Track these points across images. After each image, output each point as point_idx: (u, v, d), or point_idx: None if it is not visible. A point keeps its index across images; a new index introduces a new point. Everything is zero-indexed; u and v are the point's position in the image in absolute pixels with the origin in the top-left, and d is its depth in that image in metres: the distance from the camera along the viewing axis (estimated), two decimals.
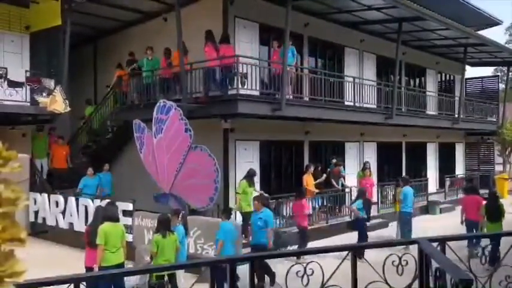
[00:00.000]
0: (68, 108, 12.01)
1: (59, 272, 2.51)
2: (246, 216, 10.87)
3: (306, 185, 13.13)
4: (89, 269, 7.36)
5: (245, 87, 11.64)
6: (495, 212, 10.47)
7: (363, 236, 10.97)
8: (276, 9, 12.80)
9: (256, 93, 12.25)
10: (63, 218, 11.79)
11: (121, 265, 7.22)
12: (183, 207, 9.33)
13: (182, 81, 11.84)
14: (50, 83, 12.15)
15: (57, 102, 11.66)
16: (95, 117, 15.83)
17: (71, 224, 11.57)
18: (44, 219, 12.28)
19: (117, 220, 7.56)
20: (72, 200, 11.66)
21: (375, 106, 16.15)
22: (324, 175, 14.37)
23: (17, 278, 1.04)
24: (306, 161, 15.05)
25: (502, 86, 29.47)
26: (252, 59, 12.20)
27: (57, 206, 11.99)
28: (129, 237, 9.38)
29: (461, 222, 11.33)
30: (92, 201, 11.14)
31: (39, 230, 12.08)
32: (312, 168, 13.62)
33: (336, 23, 15.89)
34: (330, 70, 15.63)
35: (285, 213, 12.62)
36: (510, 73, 23.91)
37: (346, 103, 15.09)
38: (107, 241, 7.11)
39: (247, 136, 13.40)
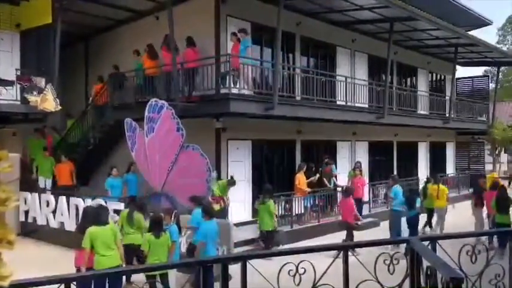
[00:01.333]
0: (59, 107, 11.93)
1: (50, 272, 2.50)
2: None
3: (298, 184, 13.16)
4: (78, 269, 7.28)
5: (237, 86, 11.64)
6: (504, 204, 10.92)
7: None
8: (268, 8, 12.81)
9: (249, 92, 12.25)
10: (54, 217, 11.72)
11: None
12: (175, 206, 9.31)
13: (174, 80, 11.82)
14: (41, 81, 12.06)
15: (47, 101, 11.58)
16: (74, 132, 15.64)
17: (62, 224, 11.50)
18: (34, 218, 12.20)
19: (104, 223, 7.14)
20: (62, 199, 11.58)
21: (366, 105, 16.22)
22: (317, 175, 14.41)
23: (2, 281, 1.03)
24: (298, 161, 15.08)
25: (492, 85, 29.67)
26: (244, 58, 12.18)
27: (47, 205, 11.91)
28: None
29: (487, 217, 12.02)
30: (120, 201, 10.58)
31: (30, 230, 12.00)
32: (304, 168, 13.66)
33: (328, 22, 15.93)
34: (322, 69, 15.65)
35: (276, 213, 12.63)
36: (500, 73, 24.12)
37: (338, 102, 15.14)
38: (96, 245, 6.83)
39: (239, 135, 13.40)
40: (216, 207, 11.07)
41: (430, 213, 13.43)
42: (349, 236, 11.41)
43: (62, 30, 12.30)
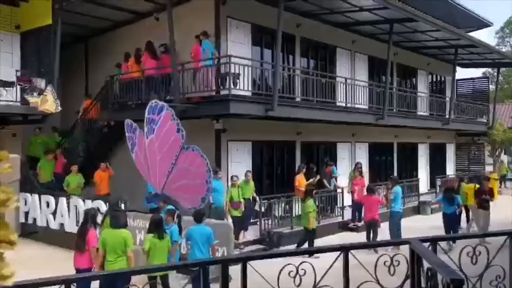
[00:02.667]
0: (59, 108, 11.93)
1: (50, 273, 2.49)
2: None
3: (298, 185, 13.15)
4: (77, 270, 7.25)
5: (237, 87, 11.65)
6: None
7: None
8: (268, 9, 12.81)
9: (248, 93, 12.26)
10: (54, 218, 11.72)
11: None
12: (174, 207, 9.30)
13: (174, 82, 11.83)
14: (41, 82, 12.06)
15: (48, 102, 11.57)
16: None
17: (62, 225, 11.49)
18: (34, 219, 12.19)
19: (119, 227, 7.06)
20: (63, 200, 11.58)
21: (366, 107, 16.22)
22: (318, 176, 14.41)
23: (4, 281, 1.03)
24: (298, 162, 15.08)
25: (492, 87, 29.70)
26: (244, 59, 12.20)
27: (48, 206, 11.91)
28: None
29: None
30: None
31: (30, 231, 11.99)
32: (304, 169, 13.66)
33: (328, 23, 15.93)
34: (322, 71, 15.67)
35: (276, 214, 12.64)
36: (500, 74, 24.13)
37: (338, 104, 15.14)
38: (106, 248, 6.80)
39: (239, 136, 13.40)
40: (236, 213, 11.17)
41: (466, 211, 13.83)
42: (376, 234, 11.75)
43: (62, 31, 12.30)
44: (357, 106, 15.54)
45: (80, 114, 15.78)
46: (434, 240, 3.38)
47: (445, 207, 12.13)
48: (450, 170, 24.18)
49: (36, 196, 12.22)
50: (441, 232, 12.02)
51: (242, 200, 11.43)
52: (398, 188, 12.26)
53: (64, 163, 14.15)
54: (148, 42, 13.31)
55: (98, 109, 15.36)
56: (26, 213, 12.35)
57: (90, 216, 7.46)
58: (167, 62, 12.54)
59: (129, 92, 13.47)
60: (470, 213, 13.65)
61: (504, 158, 29.78)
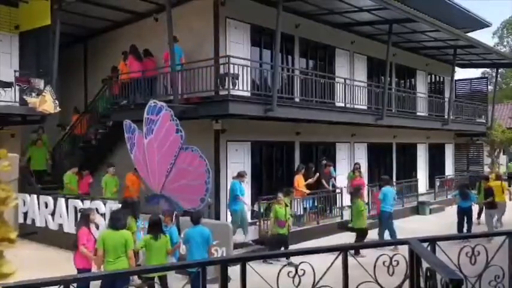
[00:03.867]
0: (58, 109, 11.93)
1: (49, 274, 2.49)
2: None
3: (297, 185, 13.15)
4: (78, 270, 7.27)
5: (236, 88, 11.65)
6: None
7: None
8: (267, 10, 12.82)
9: (248, 94, 12.26)
10: (53, 219, 11.70)
11: None
12: (174, 208, 9.30)
13: (173, 82, 11.83)
14: (40, 83, 12.05)
15: (46, 103, 11.56)
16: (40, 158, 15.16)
17: (61, 226, 11.48)
18: (33, 220, 12.17)
19: (119, 227, 7.07)
20: (61, 201, 11.57)
21: (365, 107, 16.23)
22: (317, 174, 14.40)
23: (5, 279, 1.03)
24: (297, 162, 15.08)
25: (490, 87, 29.74)
26: (243, 59, 12.21)
27: (46, 207, 11.89)
28: None
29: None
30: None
31: (29, 232, 11.97)
32: (303, 169, 13.66)
33: (327, 24, 15.94)
34: (321, 71, 15.67)
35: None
36: (499, 75, 24.15)
37: (337, 104, 15.13)
38: (106, 249, 6.79)
39: (239, 137, 13.39)
40: (283, 231, 10.65)
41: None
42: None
43: (61, 31, 12.30)
44: (356, 106, 15.55)
45: (68, 128, 15.87)
46: (433, 240, 3.38)
47: (461, 202, 12.93)
48: (449, 170, 24.20)
49: (34, 196, 12.21)
50: (439, 232, 12.03)
51: (289, 218, 10.92)
52: (386, 189, 12.38)
53: (90, 183, 13.60)
54: (133, 45, 13.68)
55: (85, 123, 15.57)
56: (25, 214, 12.33)
57: (82, 216, 7.52)
58: (150, 65, 13.22)
59: (122, 93, 13.80)
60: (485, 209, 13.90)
61: (503, 158, 29.85)
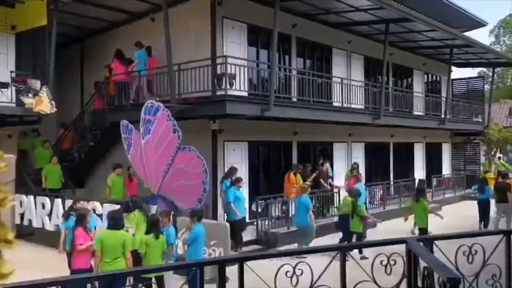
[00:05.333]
0: (54, 109, 11.89)
1: (46, 275, 2.48)
2: None
3: (293, 183, 13.17)
4: (72, 271, 7.25)
5: (233, 88, 11.64)
6: None
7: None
8: (264, 10, 12.81)
9: (245, 94, 12.26)
10: (50, 220, 11.67)
11: None
12: (171, 208, 9.29)
13: (170, 82, 11.82)
14: (36, 83, 12.01)
15: (43, 103, 11.53)
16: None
17: (57, 226, 11.44)
18: (30, 221, 12.14)
19: (119, 228, 7.09)
20: (58, 201, 11.54)
21: (362, 107, 16.26)
22: (314, 174, 14.42)
23: (4, 279, 1.02)
24: (295, 162, 15.08)
25: (487, 86, 29.83)
26: (241, 59, 12.21)
27: (43, 207, 11.86)
28: None
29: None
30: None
31: (25, 232, 11.94)
32: (296, 168, 13.71)
33: (323, 24, 15.95)
34: (318, 71, 15.68)
35: (273, 214, 12.64)
36: (495, 74, 24.21)
37: (334, 104, 15.15)
38: (104, 249, 6.76)
39: (236, 137, 13.39)
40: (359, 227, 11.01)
41: None
42: None
43: (57, 32, 12.28)
44: (353, 106, 15.57)
45: (55, 143, 15.78)
46: (430, 240, 3.39)
47: (479, 196, 14.36)
48: (446, 169, 24.25)
49: (31, 197, 12.18)
50: (436, 231, 12.07)
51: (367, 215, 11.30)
52: (360, 185, 12.79)
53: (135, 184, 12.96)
54: (118, 49, 14.16)
55: (71, 137, 15.59)
56: (22, 215, 12.29)
57: (78, 216, 7.52)
58: (118, 69, 13.52)
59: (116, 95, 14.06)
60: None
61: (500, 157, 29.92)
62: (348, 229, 11.14)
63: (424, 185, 13.04)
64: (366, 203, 12.87)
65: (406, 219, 11.64)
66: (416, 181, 19.57)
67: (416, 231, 11.32)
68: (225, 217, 11.59)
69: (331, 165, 15.82)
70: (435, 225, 13.43)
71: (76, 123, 16.15)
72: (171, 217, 8.27)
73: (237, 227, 10.74)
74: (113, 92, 14.23)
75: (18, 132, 14.36)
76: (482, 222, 14.01)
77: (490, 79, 27.12)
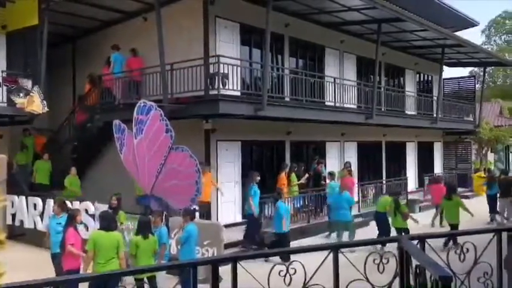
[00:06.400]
0: (46, 109, 11.81)
1: (37, 276, 2.47)
2: None
3: (282, 184, 13.21)
4: (66, 272, 7.21)
5: (226, 87, 11.63)
6: None
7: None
8: (257, 9, 12.81)
9: (238, 93, 12.25)
10: (42, 220, 11.59)
11: None
12: (164, 208, 9.26)
13: (163, 82, 11.79)
14: (28, 83, 11.93)
15: (34, 103, 11.45)
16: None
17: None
18: (21, 222, 12.05)
19: (113, 228, 7.10)
20: (50, 202, 11.45)
21: (355, 106, 16.30)
22: (307, 174, 14.46)
23: None
24: (288, 161, 15.10)
25: (478, 86, 30.01)
26: (233, 59, 12.20)
27: (35, 208, 11.78)
28: None
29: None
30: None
31: (17, 233, 11.85)
32: (287, 168, 13.73)
33: (316, 23, 15.98)
34: (311, 70, 15.70)
35: (266, 214, 12.64)
36: (486, 73, 24.37)
37: (327, 103, 15.19)
38: (97, 249, 6.74)
39: (229, 136, 13.38)
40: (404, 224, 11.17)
41: None
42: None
43: (49, 31, 12.19)
44: (345, 105, 15.61)
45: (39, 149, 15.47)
46: (422, 238, 3.41)
47: (488, 191, 15.51)
48: (438, 168, 24.39)
49: (23, 198, 12.09)
50: (429, 230, 12.17)
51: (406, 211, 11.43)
52: (332, 183, 13.29)
53: None
54: (89, 74, 15.01)
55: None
56: (13, 215, 12.20)
57: (69, 217, 7.48)
58: (135, 65, 13.62)
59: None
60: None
61: (491, 156, 30.15)
62: (385, 226, 11.38)
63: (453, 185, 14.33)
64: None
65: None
66: (410, 180, 19.68)
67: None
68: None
69: (325, 165, 15.84)
70: (428, 224, 13.50)
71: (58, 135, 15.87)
72: (164, 217, 8.24)
73: (283, 239, 10.59)
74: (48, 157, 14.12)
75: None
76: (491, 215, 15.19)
77: (481, 78, 27.26)
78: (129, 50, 13.79)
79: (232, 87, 11.73)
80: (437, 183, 15.68)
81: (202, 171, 11.54)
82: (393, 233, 11.08)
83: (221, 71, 11.42)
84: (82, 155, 14.60)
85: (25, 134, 14.82)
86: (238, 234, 11.87)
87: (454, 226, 11.58)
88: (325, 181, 15.21)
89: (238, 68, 12.16)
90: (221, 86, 11.39)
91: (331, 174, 13.97)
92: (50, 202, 11.47)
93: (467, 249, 3.49)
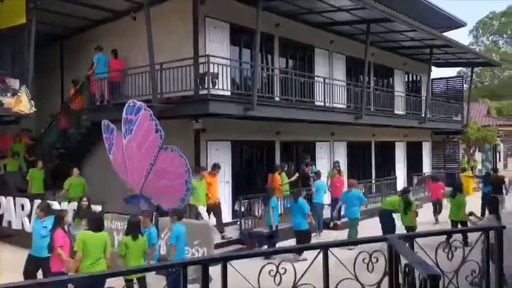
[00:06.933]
0: (34, 109, 11.69)
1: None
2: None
3: (276, 184, 13.21)
4: (53, 274, 7.15)
5: (216, 87, 11.62)
6: None
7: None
8: (246, 9, 12.81)
9: (228, 93, 12.24)
10: (30, 221, 11.48)
11: None
12: (153, 208, 9.23)
13: (152, 81, 11.74)
14: (15, 83, 11.78)
15: (22, 103, 11.33)
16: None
17: None
18: (9, 222, 11.93)
19: (102, 229, 7.11)
20: (38, 203, 11.35)
21: (344, 106, 16.38)
22: (297, 174, 14.50)
23: None
24: (278, 161, 15.13)
25: (466, 86, 30.31)
26: (223, 59, 12.18)
27: (22, 209, 11.67)
28: None
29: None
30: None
31: (5, 234, 11.73)
32: (279, 169, 13.76)
33: (306, 23, 16.02)
34: (301, 70, 15.74)
35: (257, 213, 12.65)
36: (473, 74, 24.61)
37: (316, 103, 15.23)
38: (86, 249, 6.71)
39: (219, 136, 13.37)
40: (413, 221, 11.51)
41: None
42: (440, 207, 15.14)
43: (37, 30, 12.06)
44: (335, 105, 15.67)
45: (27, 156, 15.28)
46: (411, 237, 3.44)
47: (483, 188, 16.51)
48: (426, 167, 24.59)
49: (10, 199, 11.97)
50: (417, 228, 12.24)
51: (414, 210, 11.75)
52: (318, 182, 13.51)
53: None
54: (73, 79, 15.17)
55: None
56: (1, 216, 12.08)
57: (56, 218, 7.44)
58: (116, 66, 13.63)
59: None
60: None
61: (478, 155, 30.47)
62: (389, 224, 11.45)
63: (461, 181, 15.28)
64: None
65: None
66: (399, 179, 19.82)
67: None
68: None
69: (315, 165, 15.88)
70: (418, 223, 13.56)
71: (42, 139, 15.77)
72: (153, 217, 8.22)
73: (305, 237, 11.26)
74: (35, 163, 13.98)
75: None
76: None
77: (469, 79, 27.54)
78: (111, 51, 13.77)
79: (222, 87, 11.72)
80: (436, 182, 16.30)
81: (212, 173, 11.78)
82: (400, 230, 11.16)
83: (211, 70, 11.40)
84: (67, 159, 14.41)
85: (15, 141, 14.64)
86: (228, 234, 11.88)
87: (454, 223, 11.77)
88: (313, 181, 15.27)
89: (228, 68, 12.16)
90: (211, 86, 11.37)
91: (317, 173, 14.04)
92: (38, 203, 11.37)
93: (456, 248, 3.53)
